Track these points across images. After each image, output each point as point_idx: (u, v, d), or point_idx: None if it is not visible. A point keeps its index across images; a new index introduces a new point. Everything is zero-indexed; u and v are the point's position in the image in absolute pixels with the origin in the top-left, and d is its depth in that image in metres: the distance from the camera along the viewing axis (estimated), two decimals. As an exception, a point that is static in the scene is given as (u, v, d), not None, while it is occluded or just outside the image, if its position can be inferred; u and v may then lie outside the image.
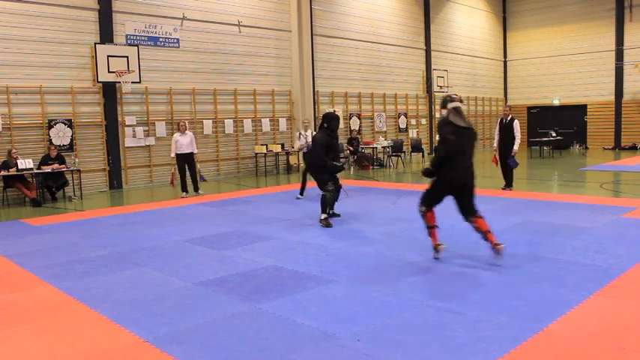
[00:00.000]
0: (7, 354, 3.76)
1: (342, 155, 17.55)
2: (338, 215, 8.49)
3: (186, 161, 11.48)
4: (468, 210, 5.65)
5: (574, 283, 4.89)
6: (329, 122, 7.99)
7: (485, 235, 5.57)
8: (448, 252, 6.16)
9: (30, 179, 11.63)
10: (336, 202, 8.28)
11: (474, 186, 5.66)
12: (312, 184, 9.66)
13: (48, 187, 11.93)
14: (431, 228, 5.83)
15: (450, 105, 5.62)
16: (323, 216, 7.95)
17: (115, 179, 13.49)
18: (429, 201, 5.77)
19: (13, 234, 8.13)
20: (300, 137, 11.13)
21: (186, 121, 12.51)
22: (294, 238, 7.21)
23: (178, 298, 4.86)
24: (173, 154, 11.51)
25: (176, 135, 11.50)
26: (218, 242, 7.07)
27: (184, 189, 11.63)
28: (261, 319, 4.25)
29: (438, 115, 22.78)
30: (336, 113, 8.72)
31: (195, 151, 11.67)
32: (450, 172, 5.54)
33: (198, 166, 11.86)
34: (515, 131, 10.83)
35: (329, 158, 7.93)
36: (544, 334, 3.79)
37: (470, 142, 5.63)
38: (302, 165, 11.34)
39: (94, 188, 13.22)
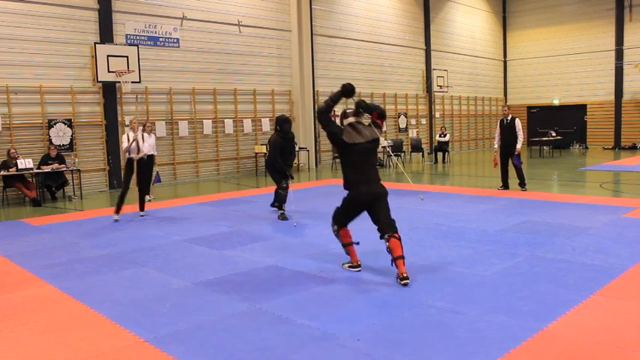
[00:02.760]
0: (7, 354, 3.76)
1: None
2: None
3: (148, 163, 10.99)
4: (380, 226, 5.14)
5: (574, 283, 4.89)
6: (281, 125, 8.50)
7: (395, 260, 5.00)
8: (449, 253, 6.17)
9: (30, 179, 11.63)
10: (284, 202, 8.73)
11: (381, 201, 5.21)
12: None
13: (48, 187, 11.93)
14: (347, 245, 5.52)
15: (346, 121, 5.31)
16: (280, 212, 8.66)
17: (115, 179, 13.49)
18: (340, 218, 5.45)
19: (13, 234, 8.13)
20: (129, 139, 8.91)
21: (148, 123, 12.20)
22: (295, 238, 7.21)
23: (178, 298, 4.86)
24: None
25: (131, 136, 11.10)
26: (218, 242, 7.07)
27: (146, 192, 11.16)
28: (261, 319, 4.25)
29: (437, 115, 22.96)
30: (286, 115, 9.15)
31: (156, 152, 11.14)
32: (352, 188, 5.27)
33: (156, 168, 11.29)
34: (517, 130, 10.82)
35: (283, 159, 8.55)
36: (544, 334, 3.79)
37: (365, 156, 5.22)
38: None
39: (94, 188, 13.22)
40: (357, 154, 5.18)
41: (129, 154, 8.91)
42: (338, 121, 5.48)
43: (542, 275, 5.16)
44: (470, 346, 3.63)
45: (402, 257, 4.99)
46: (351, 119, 5.30)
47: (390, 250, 5.01)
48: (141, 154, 8.97)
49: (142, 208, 9.33)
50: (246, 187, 13.50)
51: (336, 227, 5.49)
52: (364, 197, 5.20)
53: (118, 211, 8.96)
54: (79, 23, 12.88)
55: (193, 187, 13.56)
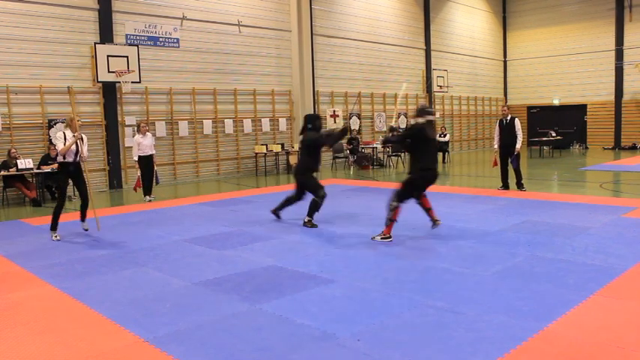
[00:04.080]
0: (7, 354, 3.76)
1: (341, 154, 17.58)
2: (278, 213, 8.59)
3: (147, 163, 11.01)
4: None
5: (574, 283, 4.89)
6: (313, 122, 8.14)
7: (427, 210, 7.04)
8: (449, 253, 6.17)
9: (30, 179, 11.63)
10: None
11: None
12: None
13: (48, 187, 11.93)
14: (392, 220, 6.71)
15: (423, 118, 6.80)
16: (307, 218, 8.00)
17: (115, 179, 13.49)
18: (405, 196, 6.78)
19: (13, 234, 8.13)
20: (65, 138, 7.39)
21: (147, 123, 12.32)
22: (294, 238, 7.21)
23: (178, 298, 4.86)
24: (136, 157, 10.98)
25: (137, 137, 11.05)
26: (218, 242, 7.07)
27: (147, 193, 11.16)
28: (261, 319, 4.25)
29: (437, 115, 22.94)
30: (318, 113, 8.87)
31: (154, 152, 11.20)
32: (424, 169, 6.74)
33: (155, 168, 11.22)
34: (517, 130, 10.81)
35: (315, 157, 8.08)
36: (544, 334, 3.79)
37: (434, 147, 7.04)
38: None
39: (94, 188, 13.18)
40: (432, 145, 6.85)
41: (63, 157, 7.44)
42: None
43: (542, 275, 5.16)
44: (470, 346, 3.63)
45: (431, 208, 7.02)
46: (429, 117, 6.82)
47: (421, 204, 7.06)
48: (83, 159, 7.58)
49: (83, 219, 7.90)
50: (246, 187, 13.50)
51: (396, 203, 6.65)
52: (431, 177, 6.79)
53: (54, 228, 7.55)
54: (78, 23, 12.87)
55: (193, 187, 13.56)
